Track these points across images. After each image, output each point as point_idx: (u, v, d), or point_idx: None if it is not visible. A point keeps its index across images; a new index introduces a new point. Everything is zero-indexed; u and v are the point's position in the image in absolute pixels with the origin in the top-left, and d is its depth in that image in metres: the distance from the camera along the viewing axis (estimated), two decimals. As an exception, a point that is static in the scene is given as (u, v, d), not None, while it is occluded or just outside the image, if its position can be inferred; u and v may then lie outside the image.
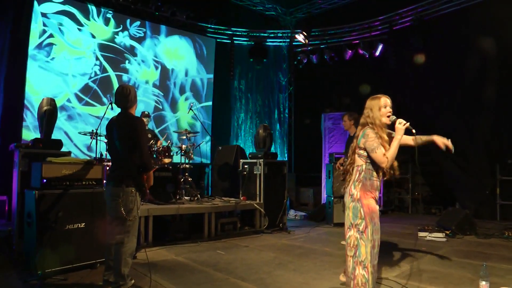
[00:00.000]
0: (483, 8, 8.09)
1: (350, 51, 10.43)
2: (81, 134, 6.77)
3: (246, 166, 7.87)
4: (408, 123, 3.40)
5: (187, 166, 7.35)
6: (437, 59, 8.93)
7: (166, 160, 6.87)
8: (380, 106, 3.52)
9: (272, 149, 8.97)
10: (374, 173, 3.48)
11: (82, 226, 4.21)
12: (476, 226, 6.83)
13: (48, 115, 5.11)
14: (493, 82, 8.04)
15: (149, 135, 7.35)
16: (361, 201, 3.43)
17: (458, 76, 8.50)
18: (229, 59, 11.11)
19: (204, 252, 5.54)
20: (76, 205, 4.19)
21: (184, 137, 7.57)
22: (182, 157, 7.29)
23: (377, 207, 3.50)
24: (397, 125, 3.42)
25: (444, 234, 6.45)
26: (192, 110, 7.68)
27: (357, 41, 10.48)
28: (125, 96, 3.73)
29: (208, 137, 9.55)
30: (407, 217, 9.31)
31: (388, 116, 3.51)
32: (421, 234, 6.63)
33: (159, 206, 6.07)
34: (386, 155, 3.37)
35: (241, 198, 7.69)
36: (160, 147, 6.84)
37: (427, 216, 9.28)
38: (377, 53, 10.08)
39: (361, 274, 3.35)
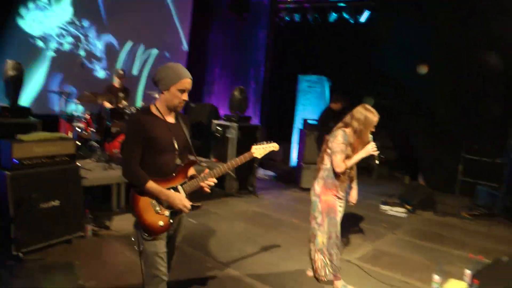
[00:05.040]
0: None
1: (335, 14, 10.15)
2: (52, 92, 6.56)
3: (219, 128, 7.85)
4: (378, 152, 3.70)
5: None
6: (424, 30, 8.79)
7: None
8: (374, 124, 3.75)
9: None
10: None
11: (56, 204, 4.20)
12: (436, 203, 7.18)
13: (14, 81, 4.89)
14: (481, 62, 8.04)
15: (121, 94, 7.17)
16: (319, 197, 3.89)
17: (445, 49, 8.45)
18: (207, 11, 10.67)
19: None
20: (50, 183, 4.16)
21: (157, 95, 7.40)
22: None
23: (337, 202, 3.90)
24: (369, 146, 3.71)
25: (405, 209, 6.79)
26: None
27: (343, 4, 10.17)
28: (152, 81, 2.78)
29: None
30: (372, 183, 9.56)
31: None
32: (383, 207, 6.96)
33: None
34: (345, 162, 3.73)
35: (212, 159, 7.75)
36: (133, 109, 6.74)
37: (391, 183, 9.52)
38: (363, 19, 9.86)
39: (320, 259, 3.90)
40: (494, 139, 8.00)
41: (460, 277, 4.16)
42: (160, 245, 2.66)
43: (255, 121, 9.98)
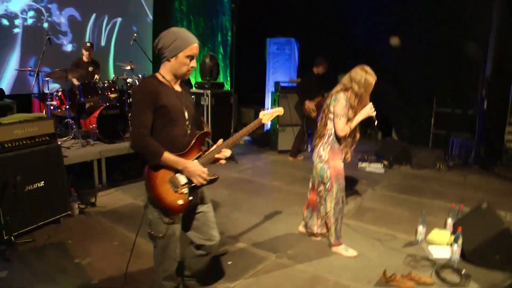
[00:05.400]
0: None
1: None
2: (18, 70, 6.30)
3: (192, 96, 7.76)
4: (375, 113, 3.70)
5: (134, 99, 7.10)
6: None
7: (113, 95, 6.66)
8: (372, 87, 3.70)
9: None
10: None
11: (41, 184, 4.13)
12: (411, 157, 7.39)
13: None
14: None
15: (90, 68, 6.98)
16: (328, 163, 3.78)
17: (416, 13, 8.53)
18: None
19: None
20: (33, 165, 4.06)
21: (128, 67, 7.23)
22: (128, 91, 7.02)
23: (342, 166, 3.85)
24: (367, 107, 3.70)
25: (382, 165, 7.00)
26: (136, 41, 7.27)
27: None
28: (153, 48, 2.61)
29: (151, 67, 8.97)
30: (346, 140, 9.75)
31: None
32: (361, 164, 7.14)
33: (110, 146, 5.98)
34: (349, 125, 3.68)
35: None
36: (105, 82, 6.59)
37: (364, 140, 9.62)
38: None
39: (327, 222, 3.92)
40: (466, 91, 8.22)
41: (443, 226, 4.39)
42: (178, 227, 2.60)
43: (226, 87, 9.89)
